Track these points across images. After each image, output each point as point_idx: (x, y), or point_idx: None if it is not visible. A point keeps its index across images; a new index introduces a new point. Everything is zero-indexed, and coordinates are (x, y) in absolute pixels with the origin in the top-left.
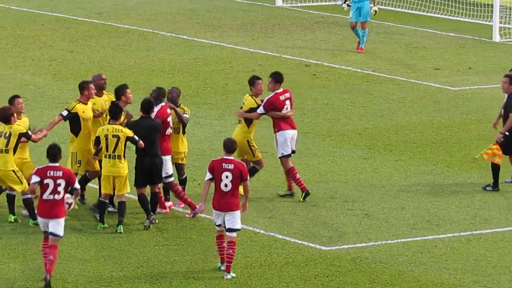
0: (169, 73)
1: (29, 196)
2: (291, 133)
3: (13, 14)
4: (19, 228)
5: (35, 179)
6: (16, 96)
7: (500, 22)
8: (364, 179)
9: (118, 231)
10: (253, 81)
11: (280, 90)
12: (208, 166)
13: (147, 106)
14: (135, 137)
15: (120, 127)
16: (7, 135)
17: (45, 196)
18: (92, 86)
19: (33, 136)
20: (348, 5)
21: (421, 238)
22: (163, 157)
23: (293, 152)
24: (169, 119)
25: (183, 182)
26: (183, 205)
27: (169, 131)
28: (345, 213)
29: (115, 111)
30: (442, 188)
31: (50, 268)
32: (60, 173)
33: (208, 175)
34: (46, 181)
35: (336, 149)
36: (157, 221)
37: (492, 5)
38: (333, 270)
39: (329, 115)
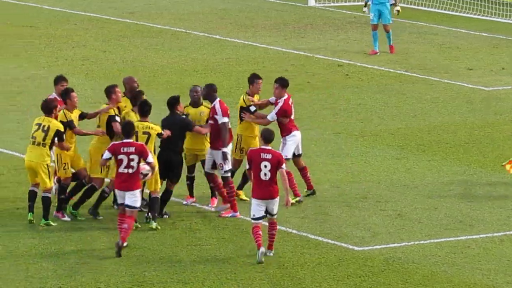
0: (202, 73)
1: (49, 195)
2: (299, 135)
3: (46, 13)
4: (52, 228)
5: (107, 155)
6: (71, 90)
7: None
8: (397, 179)
9: (153, 227)
10: (253, 79)
11: (286, 96)
12: (247, 156)
13: (172, 102)
14: (162, 132)
15: (150, 124)
16: (45, 128)
17: (120, 170)
18: (118, 90)
19: (75, 129)
20: (365, 7)
21: (454, 239)
22: (223, 149)
23: (299, 155)
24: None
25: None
26: (190, 200)
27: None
28: (377, 213)
29: (144, 109)
30: (475, 188)
31: (124, 236)
32: (132, 149)
33: (247, 165)
34: (119, 157)
35: (369, 149)
36: (167, 216)
37: None
38: (366, 270)
39: (361, 115)
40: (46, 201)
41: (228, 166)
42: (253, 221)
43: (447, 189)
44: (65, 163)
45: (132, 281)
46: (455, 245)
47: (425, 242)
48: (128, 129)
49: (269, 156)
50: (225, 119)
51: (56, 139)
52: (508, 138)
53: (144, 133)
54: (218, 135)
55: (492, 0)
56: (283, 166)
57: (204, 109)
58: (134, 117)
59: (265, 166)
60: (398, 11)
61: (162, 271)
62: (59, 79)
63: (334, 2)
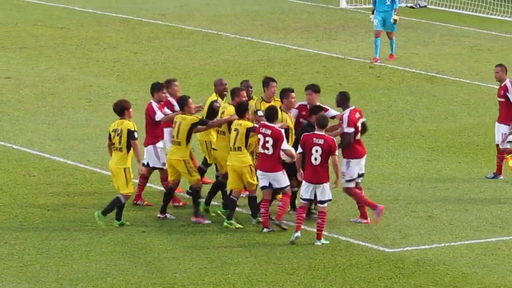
0: (233, 74)
1: (123, 199)
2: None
3: (77, 15)
4: (83, 230)
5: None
6: (173, 79)
7: None
8: (428, 181)
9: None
10: (267, 82)
11: (353, 107)
12: (300, 140)
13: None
14: (255, 124)
15: (241, 121)
16: (119, 132)
17: (260, 150)
18: (243, 93)
19: (212, 122)
20: (372, 14)
21: (485, 240)
22: (344, 159)
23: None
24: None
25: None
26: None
27: (358, 136)
28: (408, 215)
29: (240, 110)
30: (505, 190)
31: (279, 214)
32: (269, 132)
33: (299, 149)
34: (258, 136)
35: (399, 151)
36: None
37: None
38: (397, 272)
39: (392, 117)
40: (118, 202)
41: (349, 175)
42: (301, 200)
43: (477, 191)
44: (191, 167)
45: (163, 283)
46: (485, 247)
47: (456, 244)
48: (271, 113)
49: (321, 142)
50: (350, 129)
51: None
52: None
53: (235, 129)
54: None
55: None
56: (336, 153)
57: (252, 103)
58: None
59: (316, 151)
60: (395, 20)
61: (193, 273)
62: (160, 87)
63: (366, 3)
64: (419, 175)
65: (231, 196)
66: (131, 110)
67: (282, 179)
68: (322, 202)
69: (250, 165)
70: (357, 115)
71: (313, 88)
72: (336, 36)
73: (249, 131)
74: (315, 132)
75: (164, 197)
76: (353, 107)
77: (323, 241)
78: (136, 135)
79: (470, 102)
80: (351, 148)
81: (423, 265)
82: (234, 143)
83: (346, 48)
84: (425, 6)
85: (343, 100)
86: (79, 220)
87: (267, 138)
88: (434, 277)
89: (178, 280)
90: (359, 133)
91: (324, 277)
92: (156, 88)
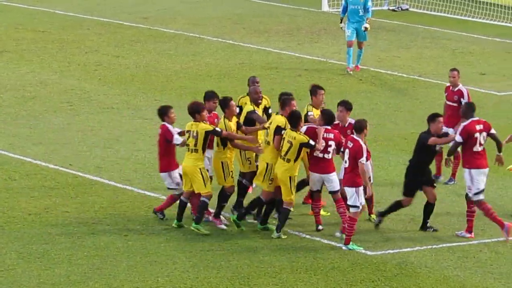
0: (215, 78)
1: (207, 200)
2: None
3: (58, 18)
4: (64, 234)
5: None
6: (230, 99)
7: None
8: None
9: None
10: (315, 90)
11: (476, 118)
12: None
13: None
14: (310, 142)
15: (295, 134)
16: (194, 134)
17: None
18: (233, 103)
19: (224, 132)
20: (341, 23)
21: (466, 243)
22: (466, 170)
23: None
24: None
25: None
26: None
27: (477, 147)
28: (390, 218)
29: (293, 120)
30: (486, 193)
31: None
32: (331, 135)
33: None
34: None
35: (382, 154)
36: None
37: None
38: (379, 275)
39: (375, 120)
40: (202, 205)
41: (476, 188)
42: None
43: (459, 193)
44: (231, 171)
45: (144, 287)
46: (467, 250)
47: (438, 247)
48: (331, 115)
49: (350, 145)
50: (458, 138)
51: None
52: None
53: (288, 141)
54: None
55: (505, 5)
56: (361, 159)
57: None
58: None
59: (346, 154)
60: (366, 28)
61: (176, 277)
62: (211, 96)
63: None
64: (402, 178)
65: (284, 207)
66: (203, 114)
67: (335, 180)
68: (347, 202)
69: (291, 176)
70: (479, 126)
71: (346, 106)
72: (318, 39)
73: (302, 146)
74: (352, 135)
75: (199, 209)
76: (476, 118)
77: (351, 246)
78: (219, 130)
79: None
80: (469, 157)
81: (405, 268)
82: (285, 154)
83: (328, 51)
84: (407, 9)
85: (467, 110)
86: (61, 224)
87: (329, 142)
88: (416, 280)
89: (160, 284)
90: (479, 145)
91: (306, 280)
92: (207, 96)
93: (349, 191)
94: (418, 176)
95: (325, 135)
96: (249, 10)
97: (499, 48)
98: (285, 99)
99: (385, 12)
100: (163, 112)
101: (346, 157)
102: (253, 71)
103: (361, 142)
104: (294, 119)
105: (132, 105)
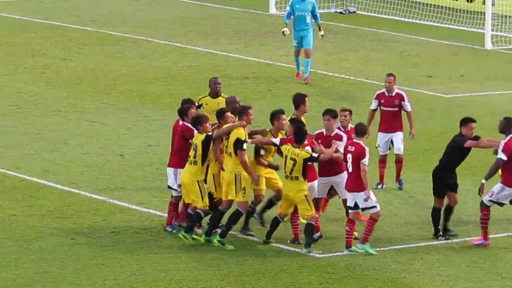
0: (163, 80)
1: (201, 213)
2: None
3: (5, 21)
4: (11, 237)
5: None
6: (226, 110)
7: (492, 30)
8: None
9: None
10: (303, 99)
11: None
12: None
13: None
14: (313, 155)
15: (298, 151)
16: (194, 146)
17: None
18: (251, 111)
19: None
20: (285, 27)
21: (414, 245)
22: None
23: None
24: None
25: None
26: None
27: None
28: (338, 221)
29: (299, 135)
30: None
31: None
32: (352, 149)
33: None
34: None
35: None
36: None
37: (484, 13)
38: (327, 277)
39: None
40: (196, 216)
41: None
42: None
43: (407, 196)
44: (244, 187)
45: None
46: (415, 251)
47: (386, 249)
48: (362, 127)
49: (352, 149)
50: (502, 156)
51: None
52: None
53: (291, 158)
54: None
55: (452, 7)
56: (363, 160)
57: (222, 100)
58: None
59: (349, 159)
60: (322, 35)
61: (123, 280)
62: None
63: None
64: None
65: (308, 223)
66: (205, 125)
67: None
68: (351, 208)
69: (305, 194)
70: None
71: (331, 114)
72: (266, 42)
73: (306, 162)
74: (353, 140)
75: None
76: None
77: (365, 246)
78: (244, 146)
79: None
80: (508, 175)
81: (353, 270)
82: (291, 172)
83: (276, 54)
84: (355, 12)
85: (507, 126)
86: (7, 227)
87: (348, 155)
88: (364, 282)
89: (108, 287)
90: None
91: (254, 283)
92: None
93: (359, 195)
94: (446, 177)
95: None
96: (196, 12)
97: (446, 50)
98: (274, 113)
99: (332, 15)
100: (183, 112)
101: (350, 161)
102: (200, 73)
103: (363, 145)
104: (299, 135)
105: (80, 108)
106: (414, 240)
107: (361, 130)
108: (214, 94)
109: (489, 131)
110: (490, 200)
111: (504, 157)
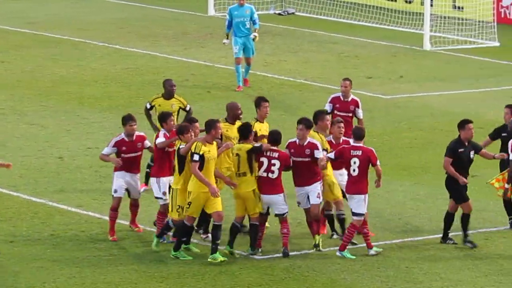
0: (102, 83)
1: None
2: None
3: None
4: None
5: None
6: (216, 120)
7: (431, 31)
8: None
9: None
10: (259, 102)
11: None
12: (335, 153)
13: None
14: (256, 145)
15: (241, 145)
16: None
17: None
18: (219, 125)
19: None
20: (226, 39)
21: (353, 246)
22: None
23: None
24: None
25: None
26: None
27: None
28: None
29: (243, 131)
30: (373, 196)
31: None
32: (276, 155)
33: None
34: (261, 159)
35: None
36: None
37: (423, 14)
38: (266, 279)
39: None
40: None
41: None
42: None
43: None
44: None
45: None
46: (354, 253)
47: (325, 250)
48: (277, 136)
49: (359, 153)
50: None
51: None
52: (406, 146)
53: (236, 154)
54: None
55: (391, 8)
56: (378, 162)
57: (175, 101)
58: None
59: (355, 163)
60: (255, 37)
61: (62, 282)
62: (127, 119)
63: None
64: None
65: (234, 223)
66: (186, 135)
67: (282, 203)
68: (353, 213)
69: (254, 190)
70: None
71: (306, 123)
72: (205, 44)
73: (250, 153)
74: (353, 144)
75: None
76: None
77: (345, 253)
78: (195, 157)
79: None
80: None
81: (293, 272)
82: (238, 169)
83: (215, 55)
84: (293, 13)
85: None
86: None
87: (273, 161)
88: (304, 284)
89: None
90: None
91: (193, 285)
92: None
93: (356, 198)
94: (455, 183)
95: (268, 154)
96: (135, 14)
97: (385, 52)
98: (227, 107)
99: (271, 16)
100: (162, 119)
101: (356, 165)
102: (139, 76)
103: (370, 148)
104: (243, 131)
105: (18, 111)
106: (354, 240)
107: (360, 134)
108: (168, 95)
109: (428, 132)
110: None
111: None
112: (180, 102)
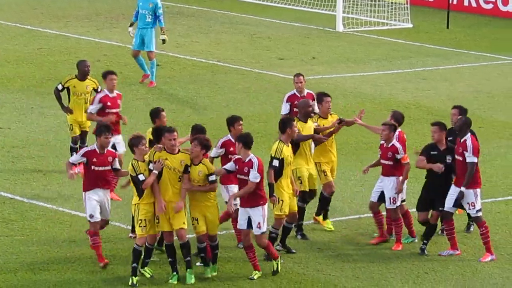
0: (14, 63)
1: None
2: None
3: None
4: None
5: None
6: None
7: (344, 12)
8: None
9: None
10: (321, 97)
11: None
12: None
13: None
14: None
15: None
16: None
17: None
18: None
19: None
20: (130, 27)
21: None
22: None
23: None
24: None
25: None
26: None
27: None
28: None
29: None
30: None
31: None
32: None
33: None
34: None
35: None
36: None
37: None
38: None
39: (174, 106)
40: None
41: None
42: None
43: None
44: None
45: None
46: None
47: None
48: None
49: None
50: (473, 159)
51: None
52: None
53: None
54: (464, 173)
55: None
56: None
57: (89, 82)
58: None
59: (390, 155)
60: (164, 40)
61: None
62: (103, 130)
63: None
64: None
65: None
66: (140, 147)
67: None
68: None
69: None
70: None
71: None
72: (117, 24)
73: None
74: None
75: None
76: (471, 134)
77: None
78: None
79: (251, 90)
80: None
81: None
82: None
83: (127, 36)
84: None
85: (463, 128)
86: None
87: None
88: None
89: None
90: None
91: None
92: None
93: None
94: (431, 192)
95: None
96: None
97: (297, 33)
98: (154, 111)
99: None
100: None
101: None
102: (51, 56)
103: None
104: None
105: None
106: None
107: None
108: (82, 76)
109: (341, 113)
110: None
111: (474, 159)
112: (94, 83)
